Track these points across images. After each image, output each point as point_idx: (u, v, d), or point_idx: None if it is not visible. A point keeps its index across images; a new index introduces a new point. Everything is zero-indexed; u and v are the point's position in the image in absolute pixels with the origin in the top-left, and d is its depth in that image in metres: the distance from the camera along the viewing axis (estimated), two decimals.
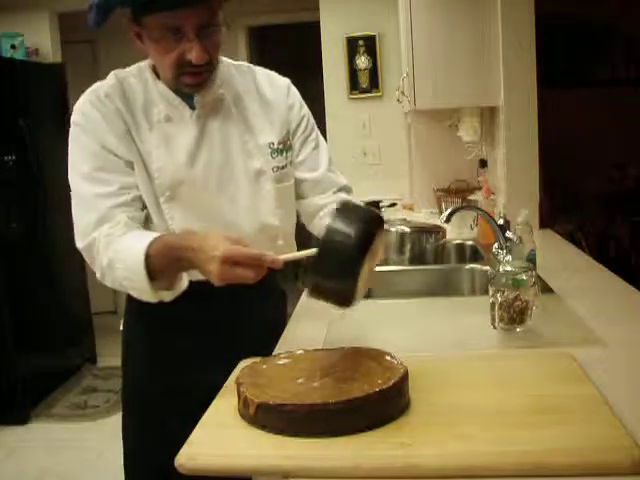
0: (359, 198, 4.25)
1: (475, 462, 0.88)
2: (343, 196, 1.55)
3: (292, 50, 5.66)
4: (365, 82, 3.92)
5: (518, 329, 1.41)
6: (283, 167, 1.46)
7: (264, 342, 1.43)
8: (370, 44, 3.88)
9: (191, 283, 1.29)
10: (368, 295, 2.12)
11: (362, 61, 3.91)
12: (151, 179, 1.36)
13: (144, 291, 1.22)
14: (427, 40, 2.66)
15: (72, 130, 1.37)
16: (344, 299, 1.08)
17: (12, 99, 3.61)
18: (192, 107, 1.38)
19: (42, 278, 3.75)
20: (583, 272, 2.01)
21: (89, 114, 1.35)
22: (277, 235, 1.49)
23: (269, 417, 0.98)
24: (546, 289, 1.71)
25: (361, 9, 3.88)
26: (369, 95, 3.93)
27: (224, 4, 1.31)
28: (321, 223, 1.52)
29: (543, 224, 2.62)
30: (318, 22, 3.93)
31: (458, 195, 2.99)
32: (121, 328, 1.56)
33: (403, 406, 1.03)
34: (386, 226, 2.22)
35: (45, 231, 3.71)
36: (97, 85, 1.40)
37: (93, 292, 4.31)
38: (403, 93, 2.96)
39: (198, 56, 1.25)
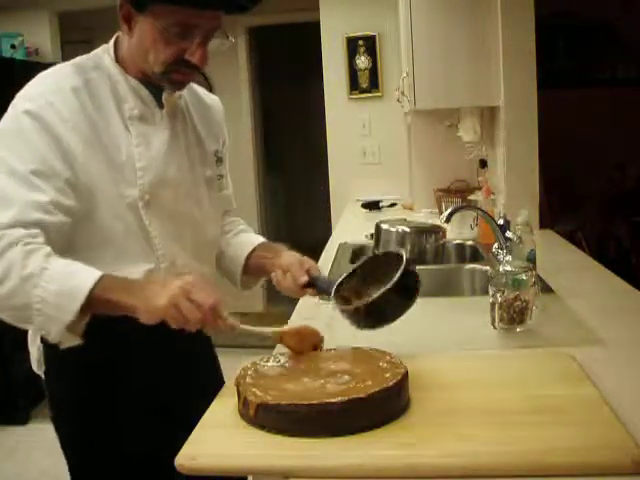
0: (359, 198, 4.22)
1: (475, 462, 0.88)
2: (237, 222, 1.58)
3: (292, 50, 5.65)
4: (365, 82, 3.92)
5: (518, 329, 1.41)
6: (222, 176, 1.47)
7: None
8: (370, 44, 3.88)
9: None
10: None
11: (362, 61, 3.91)
12: (129, 181, 1.23)
13: (56, 324, 1.06)
14: (427, 40, 2.66)
15: (17, 118, 1.22)
16: (366, 328, 1.24)
17: (12, 99, 3.59)
18: (159, 106, 1.30)
19: None
20: (583, 272, 2.01)
21: (53, 105, 1.18)
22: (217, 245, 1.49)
23: (269, 417, 0.98)
24: (546, 289, 1.71)
25: (361, 9, 3.88)
26: (369, 95, 3.93)
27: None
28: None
29: (543, 224, 2.61)
30: (318, 22, 3.93)
31: (458, 195, 2.98)
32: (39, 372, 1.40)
33: (403, 406, 1.03)
34: (386, 226, 2.22)
35: None
36: (55, 75, 1.23)
37: None
38: (403, 93, 2.96)
39: (202, 60, 1.21)
